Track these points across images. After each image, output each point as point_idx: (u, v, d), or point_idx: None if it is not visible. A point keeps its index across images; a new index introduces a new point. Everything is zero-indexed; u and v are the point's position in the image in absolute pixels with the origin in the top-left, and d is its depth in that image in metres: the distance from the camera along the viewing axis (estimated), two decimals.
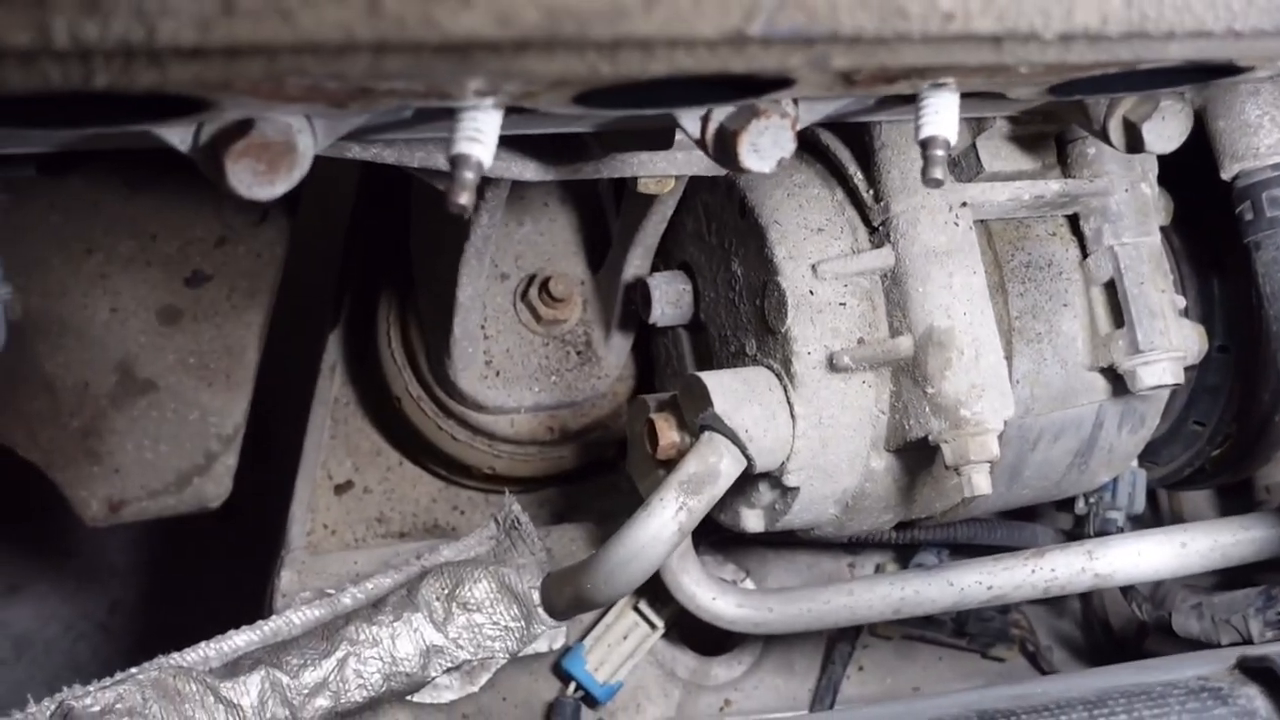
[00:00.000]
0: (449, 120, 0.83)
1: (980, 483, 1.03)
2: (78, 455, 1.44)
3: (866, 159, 1.13)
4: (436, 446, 1.41)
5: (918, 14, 0.57)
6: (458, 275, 1.24)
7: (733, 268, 1.19)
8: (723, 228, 1.20)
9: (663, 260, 1.31)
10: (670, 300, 1.26)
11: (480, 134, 0.79)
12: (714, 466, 1.09)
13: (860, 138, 1.13)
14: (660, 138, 1.01)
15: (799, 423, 1.10)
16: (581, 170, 1.07)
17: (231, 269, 1.48)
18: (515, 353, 1.36)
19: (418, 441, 1.43)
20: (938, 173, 0.85)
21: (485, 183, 1.15)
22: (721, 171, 1.10)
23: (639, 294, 1.28)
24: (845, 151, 1.14)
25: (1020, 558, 1.18)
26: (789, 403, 1.10)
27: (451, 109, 0.78)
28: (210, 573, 2.18)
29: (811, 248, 1.12)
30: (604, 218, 1.41)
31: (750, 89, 0.81)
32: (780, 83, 0.74)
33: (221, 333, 1.46)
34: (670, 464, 1.14)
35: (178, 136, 0.79)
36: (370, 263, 1.51)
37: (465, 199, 0.78)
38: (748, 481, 1.15)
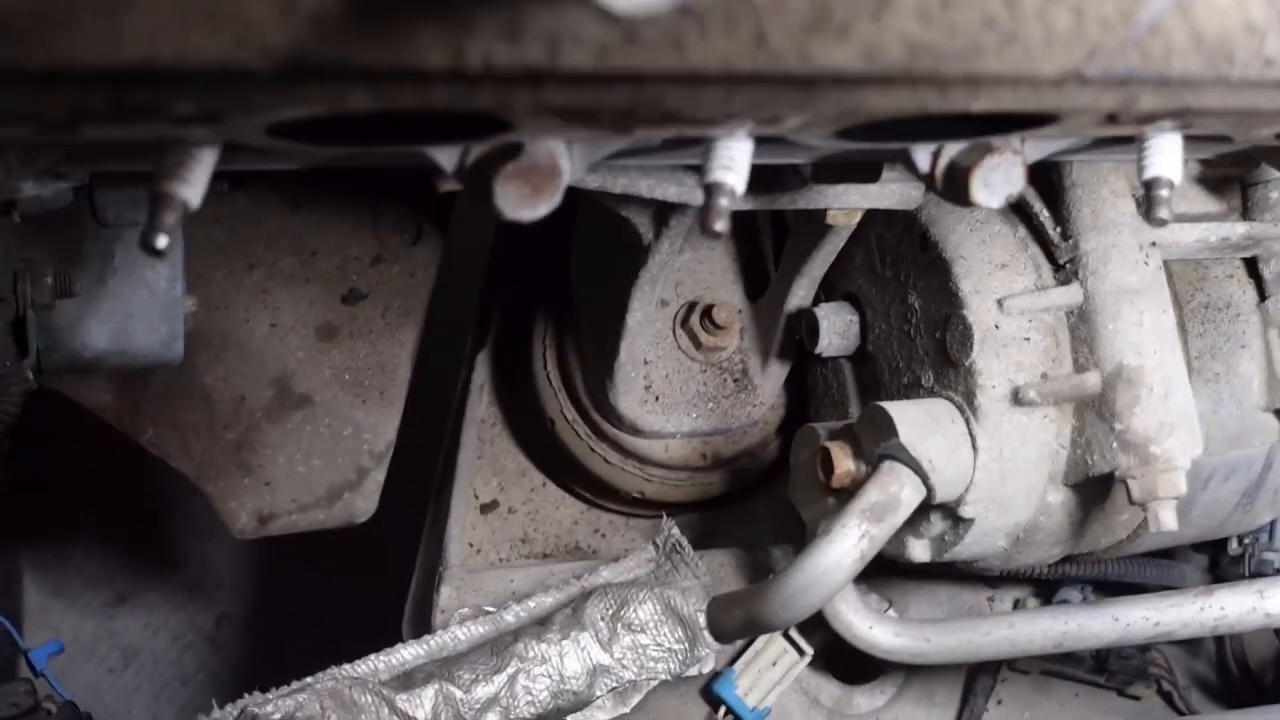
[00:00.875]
0: (690, 148, 0.86)
1: (1167, 519, 1.04)
2: (230, 467, 1.47)
3: (1053, 197, 1.15)
4: (587, 469, 1.43)
5: (1242, 59, 0.59)
6: (629, 301, 1.27)
7: (909, 300, 1.21)
8: (899, 260, 1.22)
9: (825, 291, 1.32)
10: (838, 331, 1.28)
11: (734, 162, 0.82)
12: (895, 495, 1.11)
13: (1047, 176, 1.15)
14: (870, 171, 1.03)
15: (980, 455, 1.12)
16: (778, 200, 1.09)
17: (387, 287, 1.51)
18: (674, 378, 1.38)
19: (567, 463, 1.45)
20: (1164, 213, 0.87)
21: (670, 210, 1.18)
22: (913, 204, 1.13)
23: (804, 324, 1.30)
24: (1030, 190, 1.16)
25: (1188, 595, 1.19)
26: (971, 435, 1.12)
27: (708, 138, 0.81)
28: (315, 587, 2.20)
29: (996, 283, 1.13)
30: (761, 248, 1.43)
31: (996, 127, 0.83)
32: (1044, 119, 0.76)
33: (376, 350, 1.49)
34: (843, 492, 1.16)
35: (446, 157, 0.81)
36: (520, 283, 1.54)
37: (720, 226, 0.80)
38: (919, 512, 1.16)
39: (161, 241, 0.73)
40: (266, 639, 2.21)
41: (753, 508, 1.52)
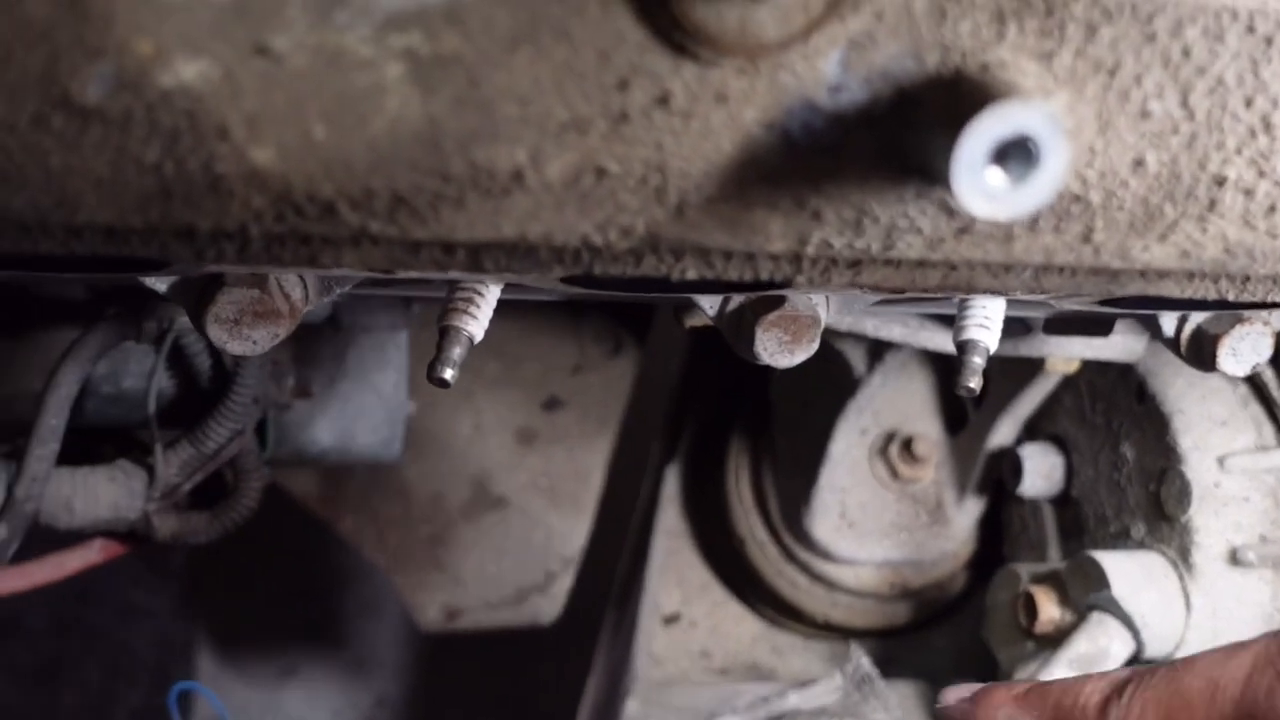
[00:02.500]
0: (939, 302, 0.88)
1: None
2: (423, 561, 1.51)
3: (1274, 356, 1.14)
4: (773, 590, 1.44)
5: None
6: (834, 430, 1.29)
7: (1121, 450, 1.20)
8: (1112, 409, 1.22)
9: (1028, 431, 1.33)
10: (1042, 473, 1.28)
11: (990, 321, 0.84)
12: (1104, 648, 1.10)
13: None
14: (1104, 326, 1.04)
15: (1193, 613, 1.11)
16: (1000, 349, 1.11)
17: (585, 397, 1.55)
18: (869, 507, 1.39)
19: (752, 582, 1.47)
20: None
21: (886, 345, 1.20)
22: (1133, 358, 1.13)
23: (1007, 463, 1.30)
24: None
25: None
26: (1185, 592, 1.11)
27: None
28: (472, 678, 2.23)
29: (1216, 440, 1.13)
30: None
31: (1254, 304, 0.84)
32: None
33: (572, 457, 1.53)
34: (1045, 639, 1.15)
35: (708, 302, 0.85)
36: (713, 400, 1.57)
37: (975, 383, 0.83)
38: (1126, 666, 1.16)
39: (449, 374, 0.77)
40: None
41: (933, 638, 1.52)
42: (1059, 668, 1.10)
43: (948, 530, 1.40)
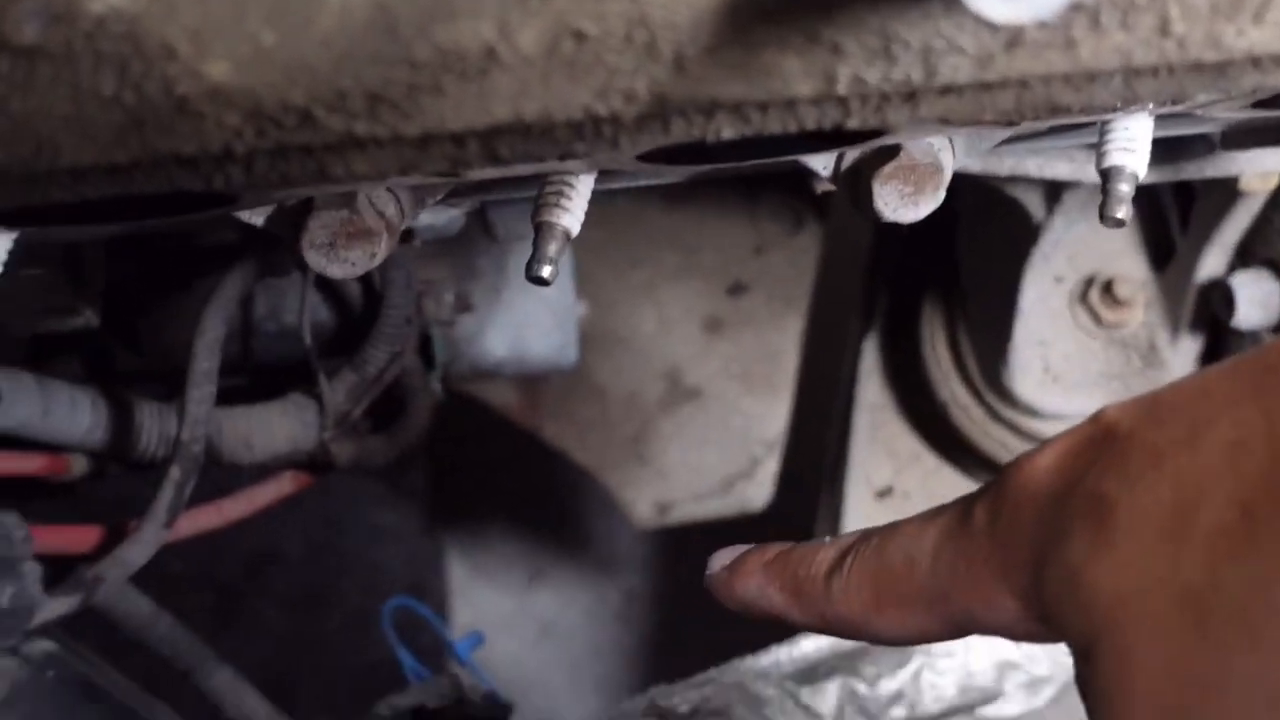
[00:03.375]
0: (1083, 130, 0.80)
1: None
2: (627, 460, 1.51)
3: None
4: (983, 452, 1.38)
5: None
6: (1021, 281, 1.21)
7: None
8: None
9: (1241, 257, 1.22)
10: (1257, 301, 1.18)
11: (1134, 143, 0.76)
12: None
13: None
14: None
15: None
16: (1183, 170, 1.01)
17: (769, 277, 1.51)
18: (1074, 358, 1.31)
19: (962, 447, 1.41)
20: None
21: (1063, 185, 1.11)
22: None
23: (1218, 295, 1.20)
24: None
25: None
26: None
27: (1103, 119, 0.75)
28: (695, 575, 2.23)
29: None
30: (1164, 214, 1.34)
31: None
32: None
33: (762, 340, 1.49)
34: None
35: (821, 163, 0.79)
36: (905, 265, 1.50)
37: (1122, 214, 0.75)
38: None
39: (546, 271, 0.75)
40: (674, 617, 2.26)
41: None
42: None
43: (1164, 374, 1.31)
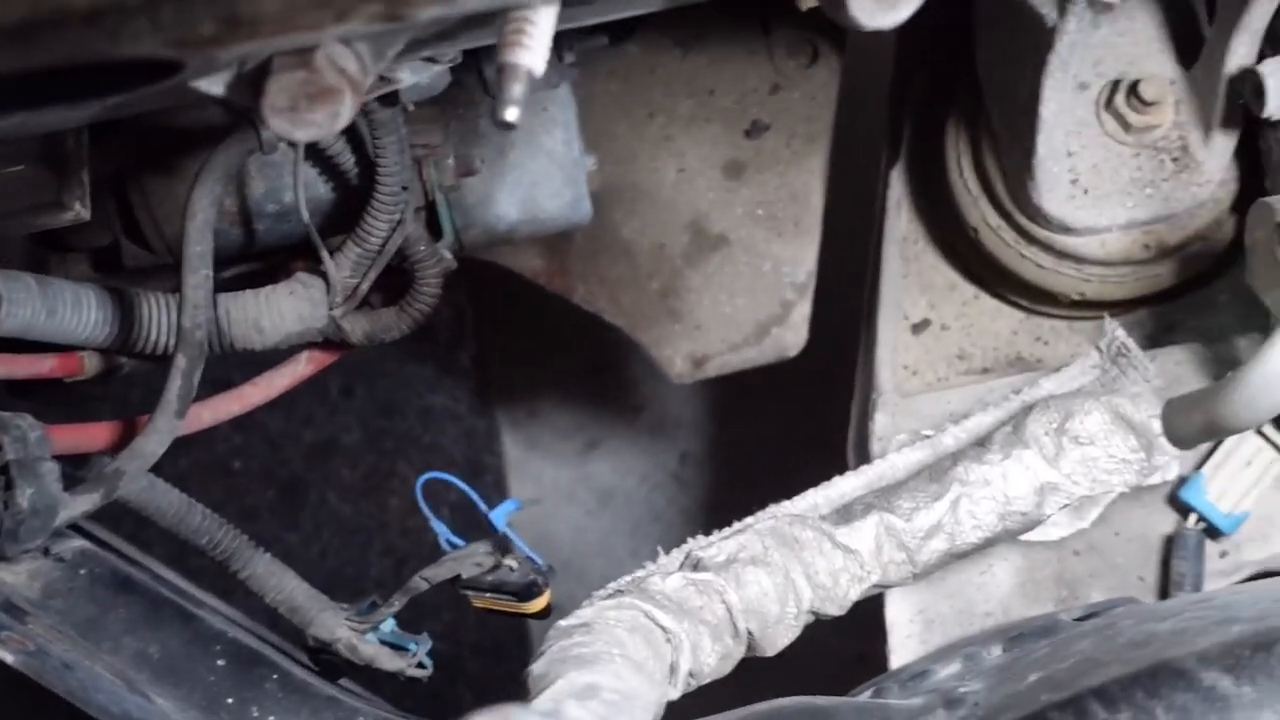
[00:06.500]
0: None
1: None
2: (660, 316, 1.49)
3: None
4: (1019, 275, 1.34)
5: None
6: (1040, 91, 1.16)
7: None
8: None
9: (1271, 45, 1.16)
10: None
11: None
12: None
13: None
14: None
15: None
16: None
17: (789, 115, 1.46)
18: (1103, 167, 1.26)
19: (997, 272, 1.37)
20: None
21: None
22: None
23: (1248, 85, 1.15)
24: None
25: None
26: None
27: None
28: (769, 421, 2.23)
29: None
30: (1191, 7, 1.27)
31: None
32: None
33: (785, 181, 1.45)
34: None
35: None
36: (928, 91, 1.45)
37: None
38: None
39: (511, 114, 0.72)
40: (729, 473, 2.27)
41: (1212, 295, 1.38)
42: None
43: (1199, 175, 1.26)
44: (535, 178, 1.24)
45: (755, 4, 1.45)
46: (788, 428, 2.14)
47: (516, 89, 0.72)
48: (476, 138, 1.20)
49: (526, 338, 2.29)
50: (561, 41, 1.20)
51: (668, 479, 2.31)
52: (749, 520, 1.18)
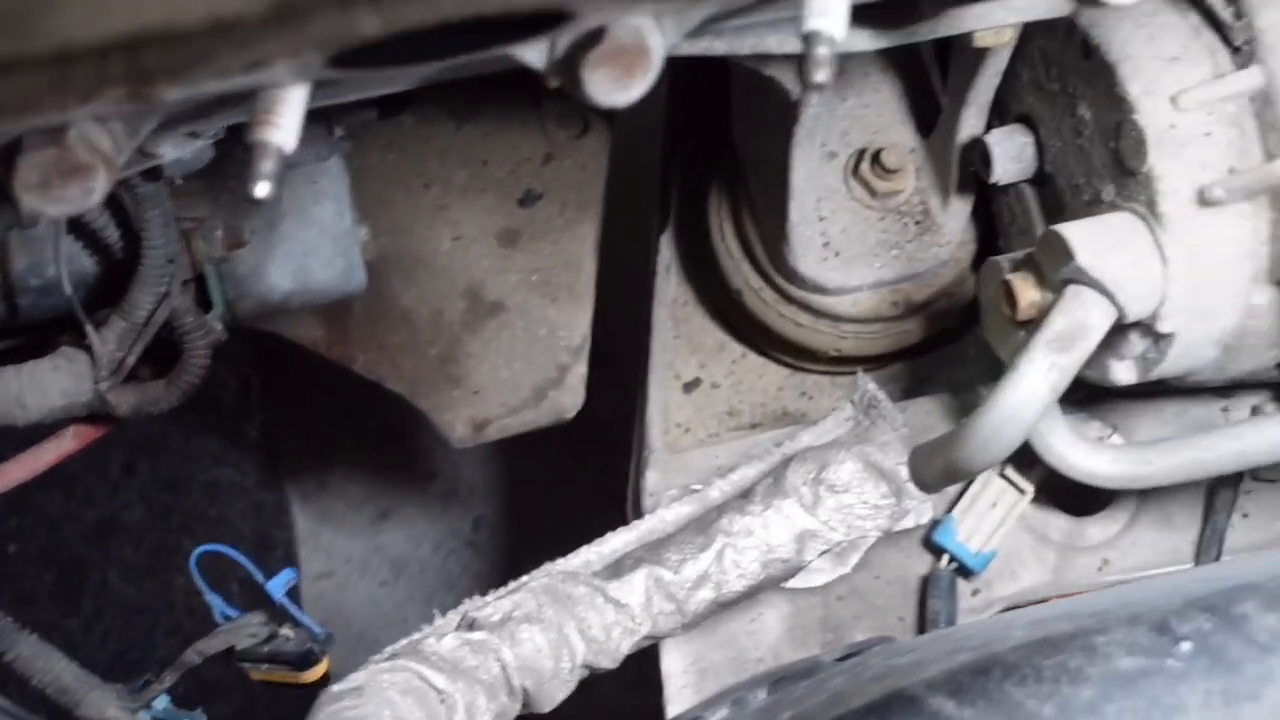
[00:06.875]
0: (787, 2, 0.82)
1: None
2: (439, 382, 1.51)
3: None
4: (780, 334, 1.41)
5: None
6: (789, 160, 1.23)
7: (1079, 112, 1.13)
8: (1065, 72, 1.15)
9: (998, 115, 1.26)
10: (1011, 156, 1.21)
11: (830, 6, 0.78)
12: (1083, 320, 1.05)
13: None
14: None
15: (1171, 265, 1.05)
16: (916, 33, 1.04)
17: (561, 184, 1.51)
18: (852, 230, 1.34)
19: (760, 331, 1.44)
20: None
21: None
22: (1063, 11, 1.05)
23: (977, 154, 1.24)
24: None
25: None
26: (1158, 245, 1.05)
27: None
28: (560, 481, 2.26)
29: (1168, 79, 1.05)
30: (929, 81, 1.37)
31: None
32: None
33: (559, 248, 1.50)
34: (1032, 324, 1.11)
35: (533, 54, 0.80)
36: (694, 160, 1.52)
37: (823, 75, 0.77)
38: (1117, 333, 1.10)
39: (261, 190, 0.74)
40: (523, 536, 2.29)
41: (962, 349, 1.47)
42: (1039, 351, 1.06)
43: (940, 237, 1.35)
44: (307, 248, 1.25)
45: (527, 77, 1.50)
46: (578, 488, 2.17)
47: (266, 165, 0.74)
48: (246, 210, 1.22)
49: (315, 408, 2.28)
50: (330, 116, 1.23)
51: (462, 545, 2.32)
52: (524, 579, 1.21)
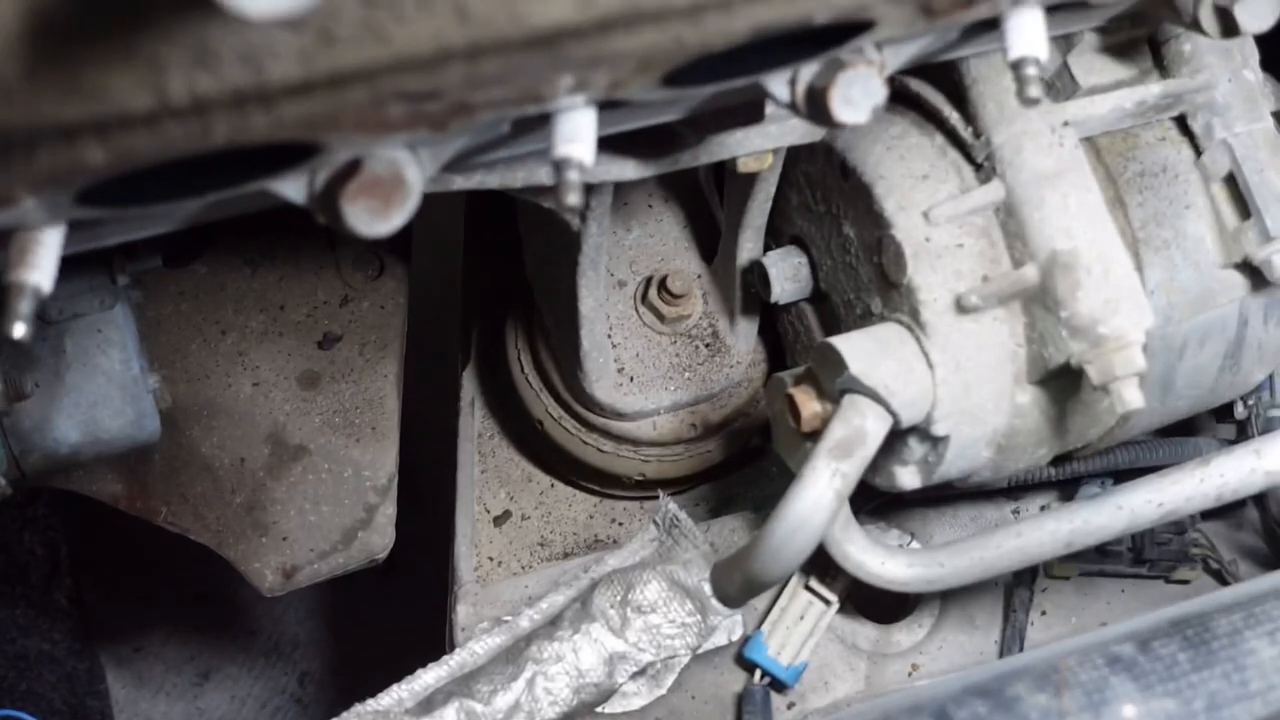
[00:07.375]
0: (545, 129, 0.85)
1: (1130, 397, 1.01)
2: (246, 530, 1.49)
3: (959, 97, 1.12)
4: (584, 462, 1.43)
5: None
6: (577, 289, 1.26)
7: (844, 231, 1.19)
8: (828, 194, 1.20)
9: (774, 238, 1.31)
10: (788, 276, 1.26)
11: (578, 134, 0.81)
12: (860, 428, 1.09)
13: (949, 78, 1.12)
14: (751, 112, 1.02)
15: (937, 370, 1.10)
16: (680, 160, 1.08)
17: (359, 325, 1.52)
18: (645, 356, 1.37)
19: (565, 460, 1.45)
20: (1033, 91, 0.85)
21: (588, 190, 1.17)
22: (816, 136, 1.11)
23: (756, 276, 1.29)
24: (937, 95, 1.13)
25: (1186, 469, 1.15)
26: (924, 352, 1.10)
27: (547, 114, 0.80)
28: (386, 626, 2.22)
29: (920, 195, 1.11)
30: (709, 209, 1.42)
31: (832, 40, 0.82)
32: (861, 27, 0.74)
33: (360, 388, 1.50)
34: (817, 434, 1.14)
35: (293, 189, 0.81)
36: (493, 294, 1.54)
37: (574, 199, 0.80)
38: (896, 439, 1.15)
39: (19, 330, 0.74)
40: (351, 687, 2.23)
41: (766, 467, 1.51)
42: (821, 459, 1.09)
43: (730, 357, 1.39)
44: (94, 398, 1.24)
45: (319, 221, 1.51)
46: (404, 632, 2.14)
47: (23, 306, 0.74)
48: (28, 361, 1.20)
49: (128, 570, 2.21)
50: (111, 263, 1.22)
51: (288, 702, 2.26)
52: None
